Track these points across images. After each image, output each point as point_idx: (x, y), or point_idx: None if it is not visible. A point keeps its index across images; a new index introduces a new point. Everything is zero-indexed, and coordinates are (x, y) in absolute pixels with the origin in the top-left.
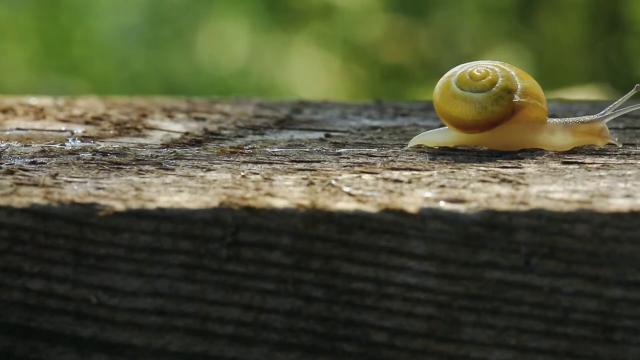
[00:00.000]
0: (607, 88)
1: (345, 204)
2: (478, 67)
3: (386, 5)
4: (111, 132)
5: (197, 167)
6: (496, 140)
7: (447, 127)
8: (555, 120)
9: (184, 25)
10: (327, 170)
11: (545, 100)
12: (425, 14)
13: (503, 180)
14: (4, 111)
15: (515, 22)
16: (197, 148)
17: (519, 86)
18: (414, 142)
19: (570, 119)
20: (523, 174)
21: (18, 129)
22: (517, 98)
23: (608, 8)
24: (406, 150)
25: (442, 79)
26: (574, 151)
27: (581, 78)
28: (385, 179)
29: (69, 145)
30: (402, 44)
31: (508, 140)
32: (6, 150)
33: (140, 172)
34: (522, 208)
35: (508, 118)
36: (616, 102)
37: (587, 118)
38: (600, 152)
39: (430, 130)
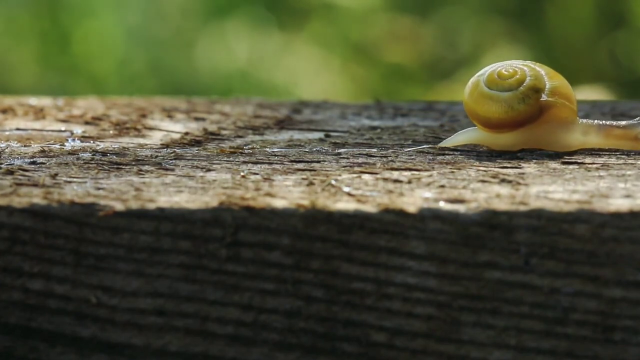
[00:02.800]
0: (611, 87)
1: (345, 204)
2: (507, 66)
3: (387, 3)
4: (111, 132)
5: (197, 167)
6: (527, 140)
7: (476, 127)
8: (587, 121)
9: (184, 25)
10: (327, 170)
11: (575, 101)
12: (426, 13)
13: (503, 181)
14: (4, 111)
15: (517, 21)
16: (196, 148)
17: (547, 85)
18: (445, 144)
19: (603, 122)
20: (523, 174)
21: (18, 129)
22: (544, 97)
23: (612, 6)
24: (406, 151)
25: (472, 78)
26: (574, 151)
27: (584, 77)
28: (385, 179)
29: (68, 145)
30: (403, 43)
31: (540, 140)
32: (6, 150)
33: (140, 172)
34: (522, 208)
35: (536, 118)
36: None
37: (622, 123)
38: (600, 152)
39: (461, 131)
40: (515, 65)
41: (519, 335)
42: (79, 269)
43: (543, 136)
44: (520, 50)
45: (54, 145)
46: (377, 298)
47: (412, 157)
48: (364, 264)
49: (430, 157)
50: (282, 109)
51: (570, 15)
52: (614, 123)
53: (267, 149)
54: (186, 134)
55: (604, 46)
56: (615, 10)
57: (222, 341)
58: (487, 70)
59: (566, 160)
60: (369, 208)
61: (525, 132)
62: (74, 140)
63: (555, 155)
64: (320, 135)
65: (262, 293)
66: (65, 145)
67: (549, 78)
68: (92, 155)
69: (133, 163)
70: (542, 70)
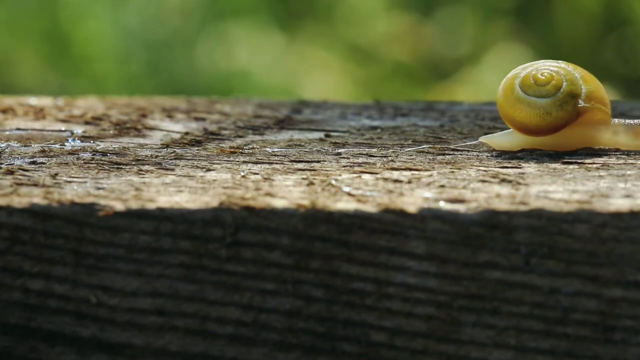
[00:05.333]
0: (612, 86)
1: (345, 204)
2: (542, 69)
3: (388, 3)
4: (111, 132)
5: (197, 167)
6: (560, 143)
7: (511, 130)
8: (618, 120)
9: (184, 25)
10: (327, 170)
11: (609, 104)
12: (428, 12)
13: (503, 180)
14: (4, 111)
15: (519, 20)
16: (197, 148)
17: (583, 90)
18: (481, 140)
19: (634, 121)
20: (523, 174)
21: (18, 129)
22: (581, 103)
23: (613, 5)
24: (407, 151)
25: (505, 79)
26: (574, 151)
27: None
28: (385, 179)
29: (68, 145)
30: (404, 42)
31: (572, 143)
32: (6, 150)
33: (140, 172)
34: (522, 208)
35: (572, 122)
36: None
37: None
38: (600, 152)
39: (498, 133)
40: (550, 69)
41: (519, 335)
42: (79, 269)
43: (576, 139)
44: (521, 50)
45: (54, 145)
46: (377, 298)
47: (412, 157)
48: (364, 264)
49: (430, 157)
50: (282, 108)
51: (572, 14)
52: None
53: (267, 149)
54: (186, 133)
55: (607, 45)
56: (618, 9)
57: (222, 341)
58: (521, 73)
59: (566, 160)
60: (369, 208)
61: (559, 135)
62: (74, 140)
63: (555, 155)
64: (321, 135)
65: (262, 293)
66: (65, 145)
67: (584, 82)
68: (92, 155)
69: (133, 163)
70: (576, 73)
